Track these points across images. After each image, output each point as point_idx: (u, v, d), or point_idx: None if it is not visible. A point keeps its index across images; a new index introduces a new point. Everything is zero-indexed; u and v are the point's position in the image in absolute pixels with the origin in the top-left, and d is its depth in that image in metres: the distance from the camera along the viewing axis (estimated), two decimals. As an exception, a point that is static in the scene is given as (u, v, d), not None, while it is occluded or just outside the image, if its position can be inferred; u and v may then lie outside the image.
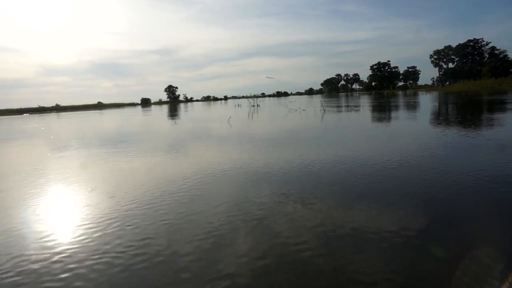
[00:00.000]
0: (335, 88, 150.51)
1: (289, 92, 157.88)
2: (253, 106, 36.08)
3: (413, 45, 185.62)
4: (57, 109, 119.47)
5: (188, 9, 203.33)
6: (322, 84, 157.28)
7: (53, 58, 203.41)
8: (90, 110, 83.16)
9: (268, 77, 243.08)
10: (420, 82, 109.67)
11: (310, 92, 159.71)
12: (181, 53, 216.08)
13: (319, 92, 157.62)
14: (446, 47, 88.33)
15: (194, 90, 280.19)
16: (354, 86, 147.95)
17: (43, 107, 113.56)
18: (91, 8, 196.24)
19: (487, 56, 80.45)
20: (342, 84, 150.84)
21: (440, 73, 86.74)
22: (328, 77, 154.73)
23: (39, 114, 68.28)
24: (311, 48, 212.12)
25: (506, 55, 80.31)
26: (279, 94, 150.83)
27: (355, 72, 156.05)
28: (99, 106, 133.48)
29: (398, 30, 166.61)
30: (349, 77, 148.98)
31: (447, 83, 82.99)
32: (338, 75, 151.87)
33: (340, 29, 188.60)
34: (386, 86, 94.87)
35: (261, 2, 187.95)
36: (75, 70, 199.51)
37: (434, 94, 38.63)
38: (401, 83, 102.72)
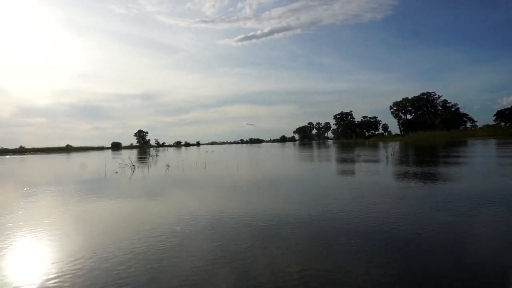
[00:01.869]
0: (307, 136, 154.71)
1: (262, 140, 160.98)
2: (207, 151, 36.85)
3: (385, 96, 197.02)
4: (21, 151, 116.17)
5: (171, 56, 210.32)
6: (294, 132, 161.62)
7: (29, 98, 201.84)
8: (57, 153, 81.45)
9: (248, 124, 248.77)
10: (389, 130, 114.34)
11: (283, 139, 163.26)
12: (162, 98, 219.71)
13: (291, 139, 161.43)
14: (404, 99, 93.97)
15: (174, 135, 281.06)
16: (326, 134, 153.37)
17: (6, 148, 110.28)
18: (72, 51, 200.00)
19: (440, 108, 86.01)
20: (316, 133, 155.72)
21: (399, 124, 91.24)
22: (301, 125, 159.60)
23: (1, 156, 66.38)
24: (290, 97, 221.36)
25: (458, 108, 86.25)
26: (251, 141, 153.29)
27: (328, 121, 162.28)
28: (67, 149, 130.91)
29: (371, 82, 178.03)
30: (320, 126, 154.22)
31: (406, 133, 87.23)
32: (310, 123, 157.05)
33: (317, 80, 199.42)
34: (349, 135, 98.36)
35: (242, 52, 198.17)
36: (52, 111, 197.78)
37: (391, 144, 40.63)
38: (375, 132, 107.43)
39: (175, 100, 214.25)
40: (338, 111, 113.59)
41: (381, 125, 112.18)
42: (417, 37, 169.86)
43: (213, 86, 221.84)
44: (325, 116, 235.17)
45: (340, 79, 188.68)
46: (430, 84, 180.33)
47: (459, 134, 61.17)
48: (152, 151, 36.75)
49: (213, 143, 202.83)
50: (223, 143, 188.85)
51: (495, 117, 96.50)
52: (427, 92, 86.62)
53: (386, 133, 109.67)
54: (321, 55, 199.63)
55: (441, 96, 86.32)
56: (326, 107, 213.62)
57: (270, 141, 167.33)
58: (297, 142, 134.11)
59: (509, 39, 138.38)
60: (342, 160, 19.50)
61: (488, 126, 65.49)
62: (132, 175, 14.23)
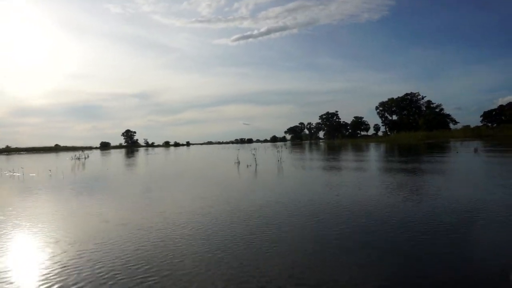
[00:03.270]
0: (298, 136, 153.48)
1: (254, 140, 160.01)
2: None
3: (382, 96, 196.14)
4: (8, 150, 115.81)
5: (167, 55, 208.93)
6: (285, 132, 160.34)
7: (25, 98, 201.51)
8: (44, 153, 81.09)
9: (244, 124, 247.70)
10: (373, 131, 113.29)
11: (274, 139, 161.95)
12: (158, 98, 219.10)
13: (282, 139, 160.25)
14: (389, 100, 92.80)
15: (170, 134, 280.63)
16: (318, 134, 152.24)
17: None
18: (67, 51, 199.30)
19: (424, 109, 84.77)
20: (307, 133, 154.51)
21: (383, 124, 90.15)
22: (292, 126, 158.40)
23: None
24: (287, 97, 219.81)
25: (442, 109, 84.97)
26: (242, 141, 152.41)
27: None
28: (55, 148, 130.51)
29: (368, 82, 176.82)
30: (312, 126, 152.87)
31: (391, 133, 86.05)
32: (301, 123, 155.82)
33: (314, 79, 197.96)
34: (335, 136, 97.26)
35: (239, 52, 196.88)
36: (49, 111, 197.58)
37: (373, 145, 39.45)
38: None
39: (171, 100, 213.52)
40: (336, 111, 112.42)
41: (369, 125, 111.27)
42: (413, 37, 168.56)
43: (210, 85, 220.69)
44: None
45: (337, 78, 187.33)
46: (427, 84, 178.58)
47: (436, 135, 59.98)
48: (83, 154, 34.71)
49: (209, 142, 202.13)
50: (219, 143, 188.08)
51: (481, 118, 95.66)
52: (411, 92, 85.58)
53: (380, 132, 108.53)
54: (318, 55, 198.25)
55: (425, 96, 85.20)
56: (323, 107, 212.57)
57: (260, 141, 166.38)
58: (288, 143, 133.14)
59: (506, 38, 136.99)
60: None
61: (465, 128, 64.35)
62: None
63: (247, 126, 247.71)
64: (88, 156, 34.04)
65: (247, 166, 17.30)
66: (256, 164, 17.56)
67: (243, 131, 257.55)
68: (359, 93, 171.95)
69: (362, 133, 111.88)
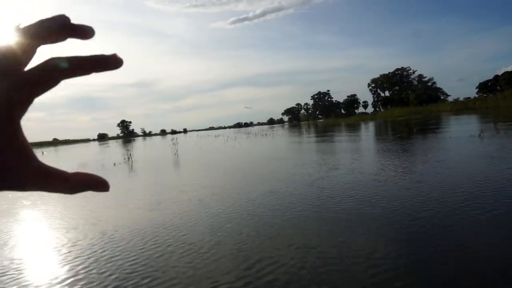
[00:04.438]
0: (296, 117, 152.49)
1: (249, 123, 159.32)
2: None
3: (383, 72, 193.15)
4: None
5: (164, 42, 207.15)
6: (283, 114, 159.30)
7: None
8: (42, 147, 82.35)
9: (246, 107, 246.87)
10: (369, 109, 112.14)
11: (271, 122, 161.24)
12: (158, 85, 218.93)
13: (280, 122, 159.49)
14: (381, 76, 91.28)
15: (172, 122, 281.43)
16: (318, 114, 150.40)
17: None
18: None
19: (416, 83, 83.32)
20: (304, 114, 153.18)
21: (374, 101, 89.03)
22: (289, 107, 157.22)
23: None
24: (288, 78, 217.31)
25: (434, 83, 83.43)
26: (239, 125, 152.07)
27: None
28: (54, 142, 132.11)
29: (369, 58, 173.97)
30: (308, 106, 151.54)
31: (384, 109, 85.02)
32: (298, 104, 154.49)
33: (314, 58, 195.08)
34: (328, 115, 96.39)
35: (237, 33, 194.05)
36: (50, 105, 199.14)
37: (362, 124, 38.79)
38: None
39: (172, 86, 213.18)
40: (337, 89, 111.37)
41: (367, 102, 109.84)
42: (414, 8, 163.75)
43: (209, 70, 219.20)
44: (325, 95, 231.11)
45: (338, 56, 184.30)
46: (427, 57, 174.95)
47: (422, 110, 59.17)
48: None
49: (211, 128, 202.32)
50: (221, 127, 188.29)
51: (477, 89, 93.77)
52: (401, 67, 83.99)
53: (372, 109, 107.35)
54: (317, 33, 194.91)
55: (416, 71, 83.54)
56: (325, 86, 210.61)
57: (259, 124, 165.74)
58: (286, 124, 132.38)
59: (508, 7, 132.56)
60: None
61: (454, 101, 63.34)
62: None
63: (249, 110, 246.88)
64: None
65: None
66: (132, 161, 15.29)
67: (246, 114, 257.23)
68: (359, 70, 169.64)
69: (360, 110, 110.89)
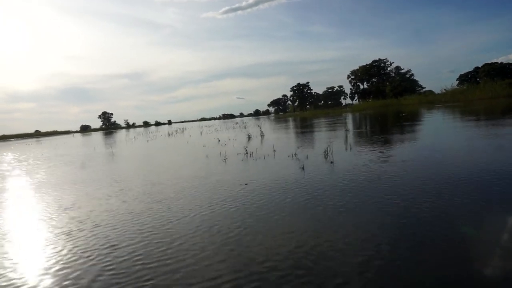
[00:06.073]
0: (282, 109, 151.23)
1: (236, 114, 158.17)
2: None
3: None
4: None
5: (156, 33, 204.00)
6: (269, 105, 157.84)
7: (17, 84, 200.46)
8: (26, 139, 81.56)
9: (238, 98, 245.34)
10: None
11: (256, 113, 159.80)
12: (150, 76, 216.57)
13: (266, 113, 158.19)
14: (360, 67, 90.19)
15: (164, 113, 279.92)
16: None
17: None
18: (54, 33, 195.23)
19: (393, 75, 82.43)
20: (292, 105, 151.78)
21: (353, 93, 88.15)
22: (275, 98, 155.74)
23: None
24: (281, 68, 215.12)
25: (412, 75, 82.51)
26: (225, 117, 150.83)
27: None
28: (36, 134, 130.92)
29: (362, 49, 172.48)
30: (294, 98, 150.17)
31: (361, 101, 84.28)
32: (284, 95, 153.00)
33: (308, 49, 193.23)
34: (305, 108, 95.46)
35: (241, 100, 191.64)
36: (41, 96, 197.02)
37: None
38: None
39: (163, 77, 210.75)
40: (330, 80, 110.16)
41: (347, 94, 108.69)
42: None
43: (202, 61, 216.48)
44: (317, 86, 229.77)
45: (331, 47, 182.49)
46: (419, 48, 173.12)
47: (392, 102, 58.52)
48: None
49: (202, 119, 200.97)
50: (213, 118, 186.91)
51: (457, 81, 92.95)
52: (379, 59, 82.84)
53: (356, 102, 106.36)
54: (310, 24, 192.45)
55: (393, 62, 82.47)
56: (317, 77, 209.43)
57: (243, 115, 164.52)
58: (272, 116, 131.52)
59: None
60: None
61: (419, 94, 62.76)
62: None
63: (242, 100, 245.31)
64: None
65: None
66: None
67: (239, 105, 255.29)
68: (351, 61, 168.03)
69: (348, 101, 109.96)
